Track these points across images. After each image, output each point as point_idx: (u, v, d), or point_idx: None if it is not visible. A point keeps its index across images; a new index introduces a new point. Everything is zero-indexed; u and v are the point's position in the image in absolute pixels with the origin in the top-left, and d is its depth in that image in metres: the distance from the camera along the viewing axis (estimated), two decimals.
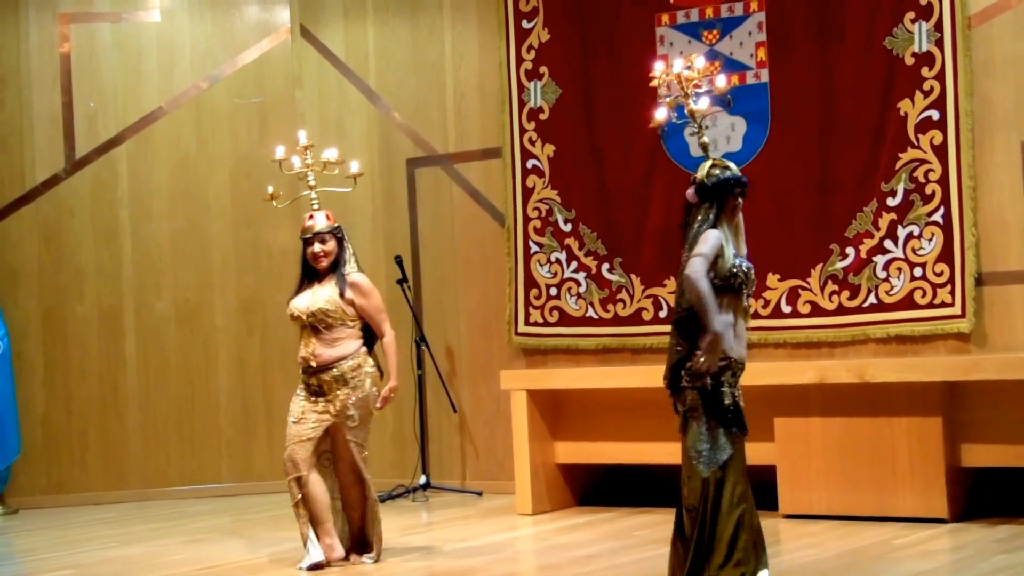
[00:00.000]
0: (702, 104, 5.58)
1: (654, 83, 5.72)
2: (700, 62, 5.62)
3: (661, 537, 7.33)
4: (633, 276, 8.84)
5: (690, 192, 5.46)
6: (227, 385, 10.32)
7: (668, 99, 5.64)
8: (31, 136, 10.17)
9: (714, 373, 5.27)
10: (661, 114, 5.65)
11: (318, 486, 6.93)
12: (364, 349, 6.95)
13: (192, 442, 10.26)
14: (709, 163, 5.49)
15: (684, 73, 5.57)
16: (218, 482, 10.25)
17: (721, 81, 5.71)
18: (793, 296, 8.29)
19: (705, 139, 5.58)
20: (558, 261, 9.13)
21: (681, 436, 5.38)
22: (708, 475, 5.27)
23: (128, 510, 9.68)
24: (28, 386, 10.02)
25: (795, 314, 8.29)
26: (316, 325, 6.87)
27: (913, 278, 7.90)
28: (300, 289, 7.03)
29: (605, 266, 8.96)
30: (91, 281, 10.19)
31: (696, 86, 5.58)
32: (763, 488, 7.89)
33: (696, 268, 5.22)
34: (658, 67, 5.76)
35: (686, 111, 5.59)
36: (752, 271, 5.42)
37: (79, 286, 10.17)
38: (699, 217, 5.40)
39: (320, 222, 7.02)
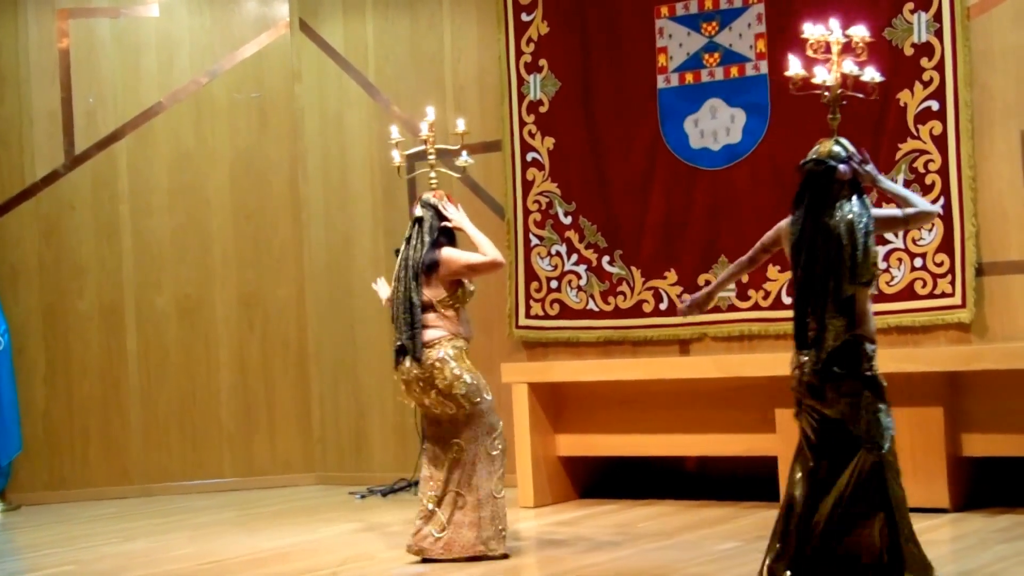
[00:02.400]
0: (827, 76, 5.43)
1: (809, 38, 5.47)
2: (861, 30, 5.48)
3: (663, 529, 7.34)
4: (634, 268, 8.84)
5: (846, 169, 5.31)
6: (228, 380, 10.32)
7: (827, 64, 5.46)
8: (30, 132, 10.17)
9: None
10: (796, 67, 5.47)
11: None
12: None
13: (194, 437, 10.26)
14: (841, 140, 5.40)
15: (840, 39, 5.44)
16: (220, 477, 10.26)
17: (873, 73, 5.56)
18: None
19: (837, 115, 5.47)
20: (558, 254, 9.13)
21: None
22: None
23: (130, 506, 9.69)
24: (29, 382, 10.03)
25: None
26: None
27: (913, 268, 7.90)
28: None
29: (605, 259, 8.96)
30: (91, 277, 10.19)
31: (855, 58, 5.45)
32: (765, 479, 7.90)
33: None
34: (811, 29, 5.50)
35: (826, 84, 5.43)
36: None
37: (79, 282, 10.17)
38: (844, 195, 5.29)
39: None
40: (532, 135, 9.27)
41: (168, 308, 10.28)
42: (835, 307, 5.21)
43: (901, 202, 5.48)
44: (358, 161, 10.17)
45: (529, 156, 9.27)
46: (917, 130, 7.88)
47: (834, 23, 5.48)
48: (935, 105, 7.85)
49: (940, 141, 7.83)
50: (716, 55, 8.59)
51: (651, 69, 8.80)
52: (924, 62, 7.87)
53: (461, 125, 7.22)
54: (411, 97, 9.90)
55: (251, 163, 10.39)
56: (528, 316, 9.26)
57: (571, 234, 9.08)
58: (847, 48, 5.47)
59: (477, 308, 9.57)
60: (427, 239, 6.76)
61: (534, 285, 9.22)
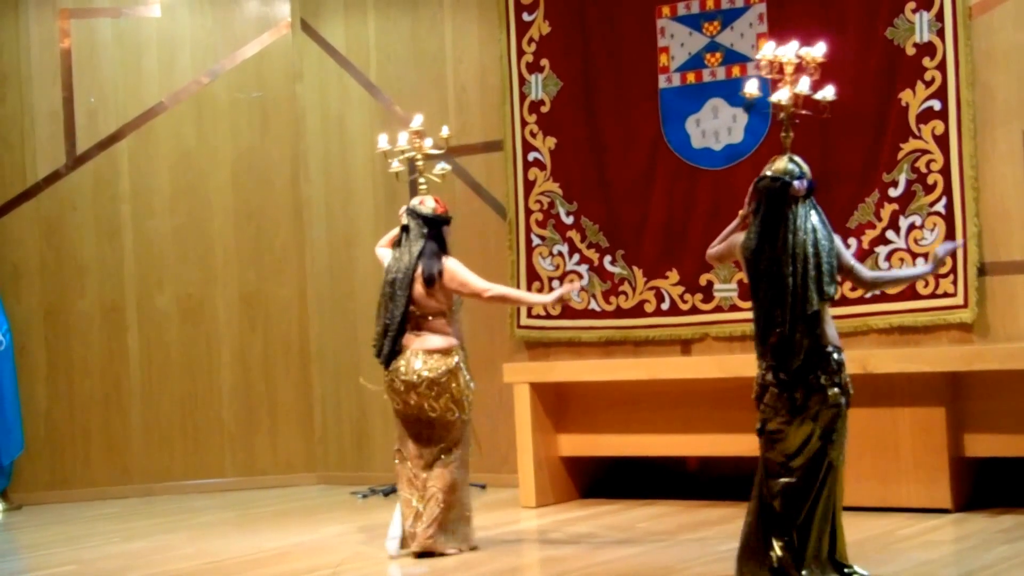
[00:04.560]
0: (782, 95, 5.61)
1: (760, 59, 5.70)
2: (820, 50, 5.66)
3: (665, 529, 7.34)
4: (635, 268, 8.84)
5: (801, 185, 5.50)
6: (230, 380, 10.32)
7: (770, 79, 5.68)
8: (32, 132, 10.17)
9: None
10: (753, 87, 5.70)
11: None
12: None
13: (195, 437, 10.26)
14: (794, 157, 5.60)
15: (791, 58, 5.62)
16: (221, 477, 10.26)
17: (829, 91, 5.71)
18: None
19: (790, 134, 5.65)
20: (560, 254, 9.13)
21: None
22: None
23: (132, 505, 9.69)
24: (31, 382, 10.03)
25: None
26: None
27: None
28: None
29: (607, 258, 8.95)
30: (93, 277, 10.19)
31: (802, 73, 5.63)
32: None
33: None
34: (768, 49, 5.70)
35: (775, 99, 5.62)
36: None
37: (81, 282, 10.17)
38: (801, 211, 5.49)
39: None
40: (534, 135, 9.27)
41: (169, 308, 10.27)
42: (804, 322, 5.41)
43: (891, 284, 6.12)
44: (359, 161, 10.17)
45: (531, 156, 9.26)
46: (919, 130, 7.88)
47: (792, 45, 5.66)
48: (937, 105, 7.84)
49: (942, 141, 7.83)
50: (718, 55, 8.59)
51: (653, 69, 8.80)
52: (926, 62, 7.87)
53: (446, 131, 7.25)
54: (412, 97, 9.89)
55: (252, 163, 10.39)
56: (530, 316, 9.26)
57: (573, 234, 9.08)
58: (799, 68, 5.64)
59: (479, 308, 9.57)
60: (416, 249, 6.85)
61: (536, 285, 9.22)
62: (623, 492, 8.68)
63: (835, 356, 5.47)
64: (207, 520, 8.79)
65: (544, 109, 9.22)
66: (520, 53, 9.32)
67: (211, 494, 10.02)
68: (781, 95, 5.63)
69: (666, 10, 8.76)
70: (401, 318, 6.81)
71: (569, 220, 9.11)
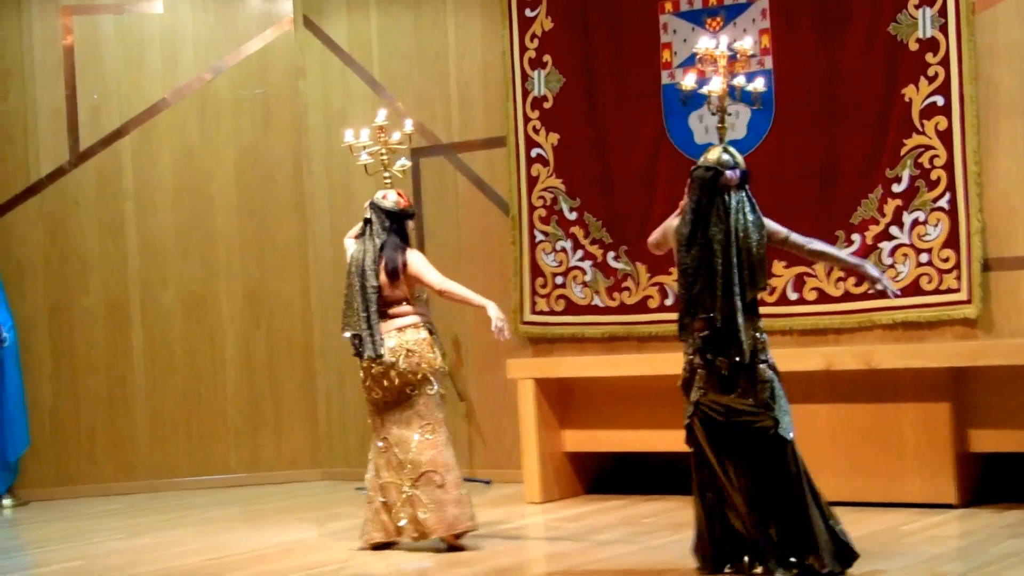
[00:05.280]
0: (715, 85, 5.85)
1: (698, 53, 5.94)
2: (748, 43, 5.91)
3: (670, 524, 7.35)
4: (639, 264, 8.85)
5: (733, 175, 5.72)
6: (234, 376, 10.34)
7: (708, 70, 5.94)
8: (35, 129, 10.18)
9: None
10: (690, 81, 5.96)
11: None
12: None
13: (200, 433, 10.28)
14: (728, 148, 5.83)
15: (726, 52, 5.87)
16: (226, 473, 10.27)
17: (760, 83, 6.02)
18: (799, 283, 8.30)
19: (725, 124, 5.91)
20: (563, 250, 9.13)
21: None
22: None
23: (137, 501, 9.70)
24: (36, 379, 10.04)
25: (801, 301, 8.29)
26: None
27: (919, 264, 7.90)
28: None
29: (611, 254, 8.96)
30: (97, 274, 10.21)
31: (735, 68, 5.90)
32: None
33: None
34: (703, 42, 5.98)
35: (709, 92, 5.87)
36: None
37: (85, 279, 10.19)
38: (738, 199, 5.70)
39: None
40: (536, 131, 9.27)
41: (173, 304, 10.29)
42: (744, 310, 5.60)
43: (823, 257, 6.08)
44: (362, 157, 10.15)
45: (533, 152, 9.27)
46: (922, 125, 7.88)
47: (723, 38, 5.95)
48: (940, 100, 7.84)
49: (945, 136, 7.83)
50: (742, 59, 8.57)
51: (655, 65, 8.80)
52: (929, 57, 7.87)
53: (409, 126, 7.42)
54: (415, 93, 9.90)
55: (255, 159, 10.40)
56: (534, 312, 9.26)
57: (576, 230, 9.08)
58: (733, 60, 5.92)
59: None
60: (377, 241, 7.02)
61: (539, 281, 9.23)
62: (628, 488, 8.69)
63: (761, 337, 5.70)
64: (212, 516, 8.80)
65: (547, 105, 9.22)
66: (523, 49, 9.32)
67: (216, 490, 10.04)
68: (714, 86, 5.84)
69: (668, 6, 8.75)
70: (376, 309, 6.96)
71: (572, 216, 9.11)
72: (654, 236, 6.10)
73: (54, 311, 10.15)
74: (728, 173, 5.69)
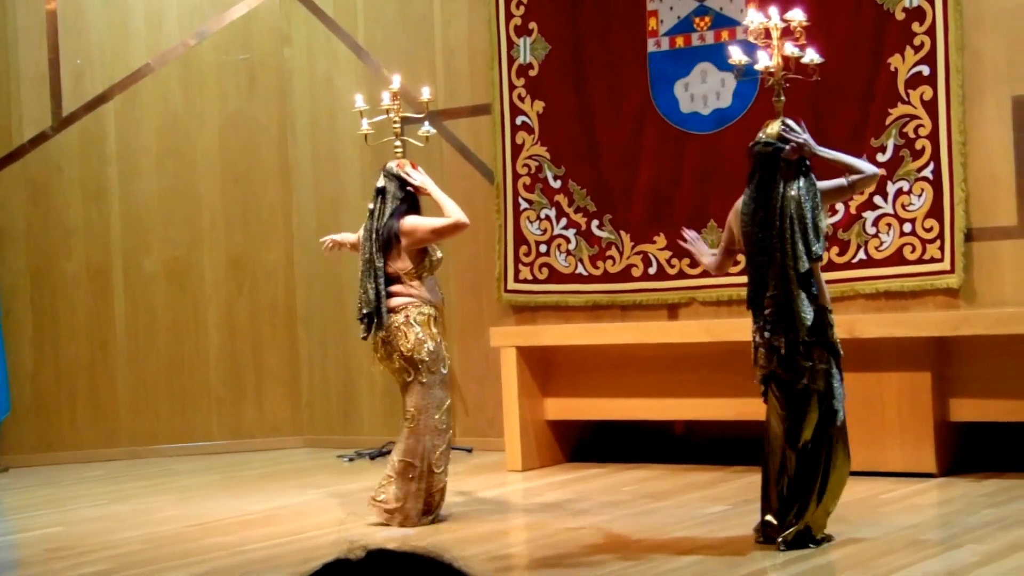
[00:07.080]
0: (770, 60, 5.79)
1: (747, 24, 5.90)
2: (799, 14, 5.78)
3: (651, 492, 7.36)
4: (623, 233, 8.83)
5: (792, 147, 5.67)
6: (217, 343, 10.31)
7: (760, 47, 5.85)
8: (18, 94, 10.11)
9: None
10: (738, 54, 5.90)
11: None
12: None
13: (182, 400, 10.25)
14: (786, 120, 5.76)
15: (777, 23, 5.79)
16: (208, 440, 10.26)
17: (813, 53, 5.89)
18: None
19: (782, 98, 5.83)
20: (547, 218, 9.11)
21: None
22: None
23: (118, 468, 9.69)
24: (17, 345, 10.01)
25: None
26: None
27: (902, 234, 7.90)
28: None
29: (595, 223, 8.94)
30: (79, 239, 10.16)
31: (793, 41, 5.78)
32: (754, 443, 7.90)
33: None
34: (753, 15, 5.93)
35: (768, 69, 5.81)
36: None
37: (67, 244, 10.14)
38: (792, 173, 5.66)
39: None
40: (522, 99, 9.23)
41: (156, 270, 10.25)
42: (799, 282, 5.57)
43: (844, 168, 5.84)
44: (347, 124, 10.11)
45: (518, 120, 9.24)
46: (908, 95, 7.87)
47: (773, 10, 5.83)
48: (926, 70, 7.83)
49: (931, 106, 7.82)
50: (707, 19, 8.56)
51: (641, 33, 8.77)
52: (915, 27, 7.85)
53: (427, 93, 7.29)
54: (400, 60, 9.85)
55: (239, 126, 10.36)
56: (517, 280, 9.25)
57: (560, 198, 9.06)
58: (787, 32, 5.80)
59: (466, 272, 9.59)
60: (388, 210, 6.82)
61: (523, 249, 9.21)
62: (609, 456, 8.69)
63: (828, 316, 5.71)
64: (193, 483, 8.79)
65: (532, 73, 9.19)
66: (508, 16, 9.28)
67: (197, 457, 10.02)
68: (770, 60, 5.72)
69: None
70: (385, 285, 6.76)
71: (557, 184, 9.09)
72: (725, 237, 6.06)
73: (36, 276, 10.11)
74: (788, 148, 5.65)
